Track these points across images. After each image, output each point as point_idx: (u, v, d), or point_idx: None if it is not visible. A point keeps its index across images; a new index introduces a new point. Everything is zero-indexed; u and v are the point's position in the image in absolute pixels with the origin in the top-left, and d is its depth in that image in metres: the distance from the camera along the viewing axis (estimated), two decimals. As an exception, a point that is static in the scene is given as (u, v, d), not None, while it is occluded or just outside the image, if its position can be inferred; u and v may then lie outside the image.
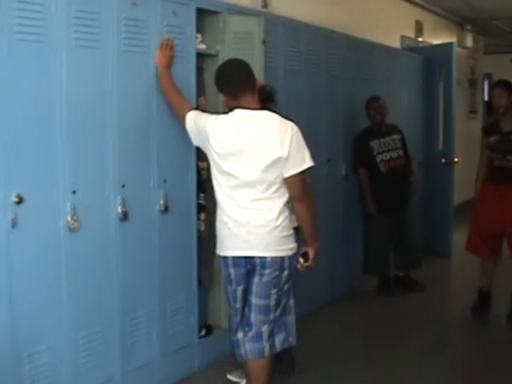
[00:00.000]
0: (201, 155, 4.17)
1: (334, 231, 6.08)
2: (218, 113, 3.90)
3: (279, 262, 3.61)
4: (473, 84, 11.99)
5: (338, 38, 6.14)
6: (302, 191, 3.60)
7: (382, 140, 6.36)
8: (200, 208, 4.52)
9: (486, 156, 5.68)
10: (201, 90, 4.51)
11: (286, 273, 3.65)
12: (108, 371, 3.87)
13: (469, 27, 11.24)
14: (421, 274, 6.66)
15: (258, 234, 3.57)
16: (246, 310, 3.71)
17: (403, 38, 8.79)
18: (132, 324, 4.00)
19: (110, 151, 3.80)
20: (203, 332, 4.64)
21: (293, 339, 3.85)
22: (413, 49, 8.61)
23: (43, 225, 3.44)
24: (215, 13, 4.54)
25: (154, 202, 4.10)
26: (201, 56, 4.49)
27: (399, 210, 6.42)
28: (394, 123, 6.58)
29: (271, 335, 3.71)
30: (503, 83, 5.70)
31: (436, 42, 9.55)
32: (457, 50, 8.43)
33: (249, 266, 3.63)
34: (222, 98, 3.85)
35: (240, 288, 3.70)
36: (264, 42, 4.67)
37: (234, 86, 3.63)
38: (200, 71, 4.51)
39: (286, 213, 3.63)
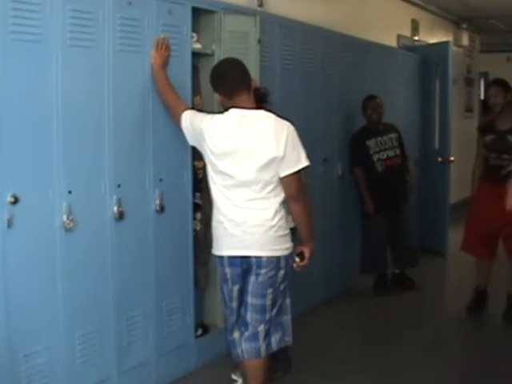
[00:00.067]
0: (197, 155, 4.17)
1: (330, 230, 6.08)
2: (213, 112, 3.90)
3: (275, 261, 3.61)
4: (469, 83, 11.99)
5: (333, 37, 6.14)
6: (298, 191, 3.59)
7: (378, 139, 6.36)
8: (196, 207, 4.51)
9: (482, 155, 5.68)
10: (196, 90, 4.51)
11: (281, 272, 3.65)
12: (104, 371, 3.87)
13: (465, 26, 11.25)
14: (417, 272, 6.67)
15: (253, 233, 3.57)
16: (242, 309, 3.71)
17: (399, 36, 8.79)
18: (128, 324, 4.00)
19: (105, 151, 3.79)
20: (199, 331, 4.64)
21: (289, 339, 3.85)
22: (409, 48, 8.61)
23: (39, 225, 3.44)
24: (211, 12, 4.54)
25: (149, 201, 4.09)
26: (196, 55, 4.49)
27: (396, 209, 6.43)
28: (391, 122, 6.59)
29: (267, 335, 3.71)
30: (499, 82, 5.69)
31: (432, 40, 9.57)
32: (453, 48, 8.43)
33: (245, 265, 3.63)
34: (217, 97, 3.84)
35: (236, 287, 3.70)
36: (260, 41, 4.67)
37: (229, 86, 3.63)
38: (196, 70, 4.51)
39: (282, 212, 3.63)
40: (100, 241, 3.79)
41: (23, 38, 3.29)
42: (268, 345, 3.72)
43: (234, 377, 4.32)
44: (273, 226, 3.58)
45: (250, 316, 3.67)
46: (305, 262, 3.70)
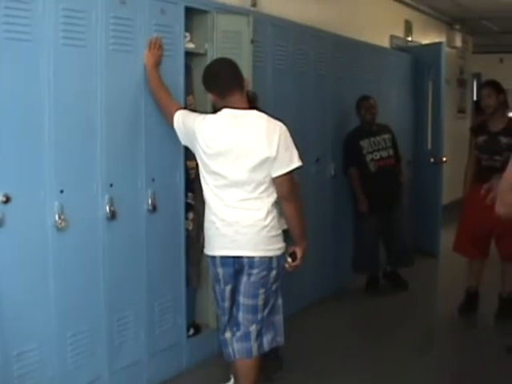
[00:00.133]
0: (189, 154, 4.16)
1: (322, 230, 6.09)
2: (206, 112, 3.90)
3: (267, 261, 3.61)
4: (462, 84, 12.02)
5: (326, 38, 6.14)
6: (290, 191, 3.60)
7: (372, 139, 6.37)
8: (188, 207, 4.51)
9: (474, 156, 5.69)
10: (189, 89, 4.51)
11: (274, 273, 3.65)
12: (95, 370, 3.86)
13: (458, 27, 11.27)
14: (409, 273, 6.68)
15: (246, 233, 3.57)
16: (234, 309, 3.70)
17: (392, 37, 8.81)
18: (119, 323, 4.00)
19: (97, 150, 3.79)
20: (191, 331, 4.64)
21: (281, 339, 3.85)
22: (402, 48, 8.62)
23: (30, 224, 3.43)
24: (204, 12, 4.53)
25: (142, 201, 4.09)
26: (189, 55, 4.48)
27: (389, 209, 6.44)
28: (384, 123, 6.60)
29: (259, 335, 3.71)
30: (492, 83, 5.71)
31: (425, 41, 9.59)
32: (446, 49, 8.46)
33: (237, 265, 3.63)
34: (210, 97, 3.84)
35: (228, 287, 3.70)
36: (253, 41, 4.67)
37: (222, 85, 3.63)
38: (188, 70, 4.50)
39: (275, 213, 3.63)
40: (92, 240, 3.79)
41: (15, 37, 3.28)
42: (260, 345, 3.72)
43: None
44: (265, 227, 3.58)
45: (241, 316, 3.67)
46: (297, 262, 3.70)
